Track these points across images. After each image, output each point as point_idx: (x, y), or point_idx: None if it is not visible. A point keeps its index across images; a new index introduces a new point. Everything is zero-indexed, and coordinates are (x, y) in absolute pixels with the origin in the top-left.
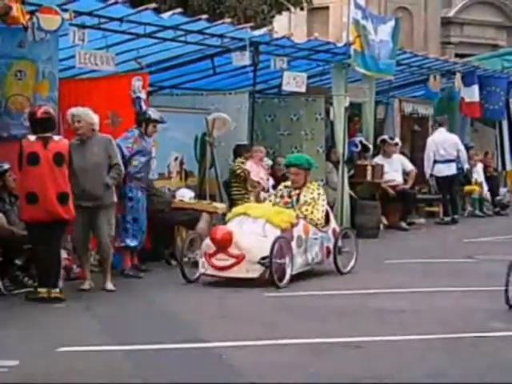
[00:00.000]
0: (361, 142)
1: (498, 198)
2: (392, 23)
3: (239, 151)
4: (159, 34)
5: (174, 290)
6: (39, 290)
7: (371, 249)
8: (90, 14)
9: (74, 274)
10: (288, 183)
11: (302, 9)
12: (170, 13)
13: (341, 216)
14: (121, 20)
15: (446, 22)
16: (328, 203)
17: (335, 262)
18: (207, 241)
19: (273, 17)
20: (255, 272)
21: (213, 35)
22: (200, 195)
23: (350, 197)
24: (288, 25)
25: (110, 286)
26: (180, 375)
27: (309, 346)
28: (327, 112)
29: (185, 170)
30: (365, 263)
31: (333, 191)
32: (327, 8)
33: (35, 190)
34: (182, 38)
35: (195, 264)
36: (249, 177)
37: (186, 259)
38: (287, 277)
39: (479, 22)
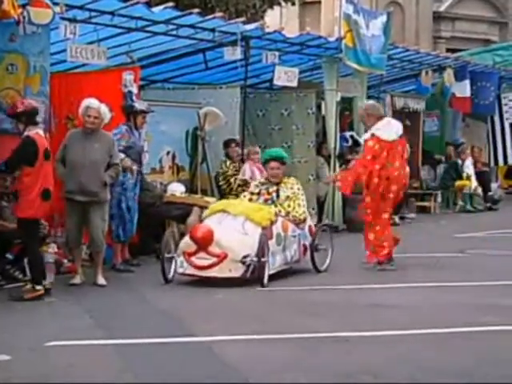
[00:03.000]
0: (352, 136)
1: (490, 193)
2: (384, 18)
3: (227, 145)
4: (151, 28)
5: (165, 285)
6: (37, 287)
7: (361, 243)
8: (81, 7)
9: (64, 269)
10: (262, 180)
11: (293, 3)
12: (161, 7)
13: (332, 210)
14: (112, 14)
15: (438, 17)
16: (319, 198)
17: (313, 260)
18: (186, 239)
19: (264, 11)
20: (238, 271)
21: (204, 29)
22: (191, 189)
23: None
24: (280, 19)
25: (101, 280)
26: (171, 369)
27: (299, 340)
28: (318, 107)
29: (176, 165)
30: (355, 258)
31: (324, 186)
32: (319, 2)
33: (49, 186)
34: (174, 32)
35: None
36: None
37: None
38: (266, 276)
39: (471, 16)
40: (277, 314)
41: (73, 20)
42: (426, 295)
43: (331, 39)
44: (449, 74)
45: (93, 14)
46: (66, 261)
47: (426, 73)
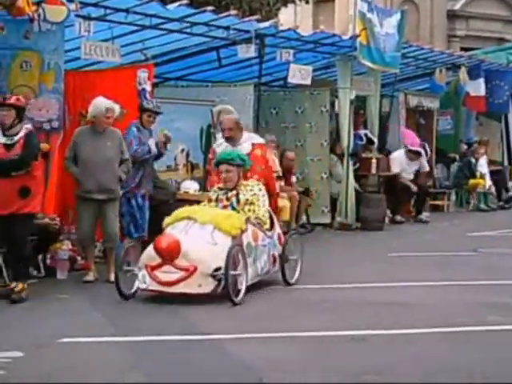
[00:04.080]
0: (366, 134)
1: (511, 193)
2: (398, 16)
3: None
4: (165, 26)
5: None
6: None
7: (375, 242)
8: (95, 5)
9: (78, 266)
10: (221, 185)
11: (307, 2)
12: (175, 4)
13: (345, 209)
14: (127, 11)
15: (452, 15)
16: (332, 196)
17: (283, 272)
18: (148, 251)
19: (278, 9)
20: (208, 286)
21: (218, 27)
22: (205, 187)
23: (355, 190)
24: (294, 17)
25: (113, 277)
26: (183, 367)
27: (312, 339)
28: (332, 105)
29: (190, 162)
30: (368, 256)
31: (337, 184)
32: (333, 1)
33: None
34: (188, 30)
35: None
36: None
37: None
38: (243, 290)
39: (485, 15)
40: (290, 312)
41: (87, 17)
42: (439, 294)
43: (345, 37)
44: (463, 73)
45: (107, 11)
46: (79, 258)
47: (440, 71)
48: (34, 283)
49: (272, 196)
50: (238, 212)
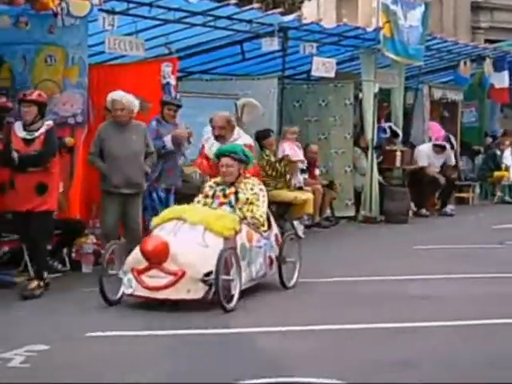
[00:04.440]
0: (390, 127)
1: None
2: (422, 8)
3: (261, 137)
4: (188, 20)
5: None
6: (44, 281)
7: (400, 235)
8: None
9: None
10: (218, 179)
11: None
12: None
13: (370, 202)
14: (150, 5)
15: (476, 7)
16: (356, 189)
17: (280, 275)
18: (135, 253)
19: (302, 2)
20: (198, 292)
21: (242, 20)
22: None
23: (379, 183)
24: (317, 10)
25: None
26: (207, 361)
27: (339, 332)
28: (356, 98)
29: None
30: (393, 249)
31: (361, 177)
32: None
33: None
34: (211, 24)
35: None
36: (290, 166)
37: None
38: (236, 296)
39: (510, 6)
40: (317, 304)
41: (111, 12)
42: (465, 286)
43: (369, 30)
44: (488, 65)
45: (130, 5)
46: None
47: (465, 63)
48: (59, 277)
49: None
50: (235, 211)
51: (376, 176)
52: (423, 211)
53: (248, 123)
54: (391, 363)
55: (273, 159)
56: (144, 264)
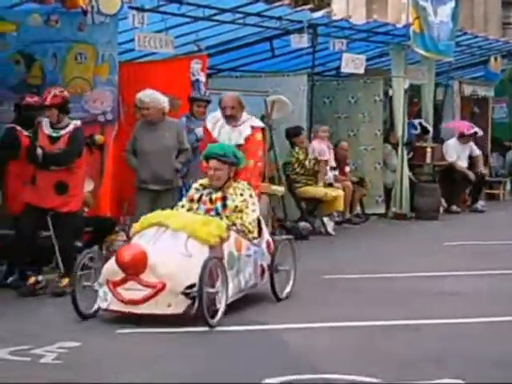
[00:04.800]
0: (420, 124)
1: None
2: (452, 4)
3: (292, 134)
4: (218, 17)
5: None
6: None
7: (430, 231)
8: None
9: None
10: (205, 181)
11: None
12: None
13: (400, 199)
14: (180, 2)
15: (507, 3)
16: (386, 186)
17: (272, 285)
18: (110, 264)
19: None
20: (179, 306)
21: (271, 17)
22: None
23: (409, 179)
24: (346, 7)
25: None
26: (236, 357)
27: (366, 328)
28: (386, 94)
29: None
30: (424, 245)
31: (392, 174)
32: None
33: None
34: (241, 21)
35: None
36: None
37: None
38: (221, 309)
39: None
40: (344, 301)
41: (141, 9)
42: (496, 283)
43: (399, 26)
44: None
45: (160, 2)
46: None
47: (495, 59)
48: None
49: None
50: (222, 218)
51: (406, 172)
52: (454, 207)
53: (277, 120)
54: (422, 359)
55: (302, 157)
56: (120, 275)
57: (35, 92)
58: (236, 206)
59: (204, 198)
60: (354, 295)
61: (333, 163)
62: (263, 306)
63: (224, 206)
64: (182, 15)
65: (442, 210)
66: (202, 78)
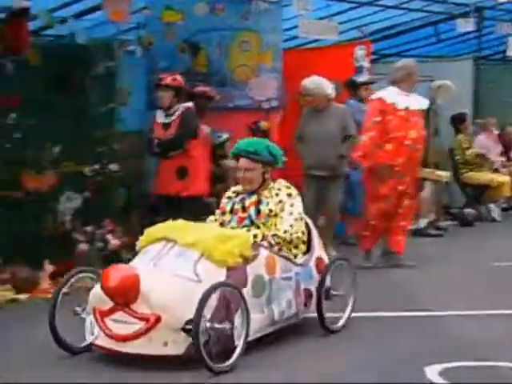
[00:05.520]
0: None
1: None
2: None
3: (458, 121)
4: (382, 2)
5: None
6: None
7: None
8: None
9: None
10: (238, 188)
11: None
12: None
13: None
14: None
15: None
16: None
17: (320, 314)
18: (97, 289)
19: None
20: (179, 345)
21: (436, 1)
22: (423, 164)
23: None
24: None
25: (332, 252)
26: (404, 342)
27: None
28: None
29: None
30: None
31: None
32: None
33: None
34: (405, 5)
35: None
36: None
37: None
38: (239, 349)
39: None
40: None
41: None
42: None
43: None
44: None
45: None
46: None
47: None
48: None
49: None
50: (259, 227)
51: None
52: None
53: (441, 105)
54: None
55: (465, 145)
56: (109, 304)
57: (203, 80)
58: (270, 210)
59: (236, 206)
60: None
61: (499, 149)
62: (432, 292)
63: (258, 211)
64: (346, 1)
65: None
66: (366, 64)
